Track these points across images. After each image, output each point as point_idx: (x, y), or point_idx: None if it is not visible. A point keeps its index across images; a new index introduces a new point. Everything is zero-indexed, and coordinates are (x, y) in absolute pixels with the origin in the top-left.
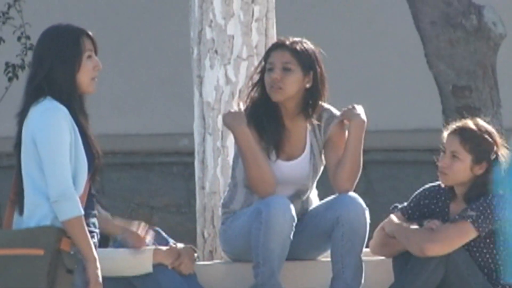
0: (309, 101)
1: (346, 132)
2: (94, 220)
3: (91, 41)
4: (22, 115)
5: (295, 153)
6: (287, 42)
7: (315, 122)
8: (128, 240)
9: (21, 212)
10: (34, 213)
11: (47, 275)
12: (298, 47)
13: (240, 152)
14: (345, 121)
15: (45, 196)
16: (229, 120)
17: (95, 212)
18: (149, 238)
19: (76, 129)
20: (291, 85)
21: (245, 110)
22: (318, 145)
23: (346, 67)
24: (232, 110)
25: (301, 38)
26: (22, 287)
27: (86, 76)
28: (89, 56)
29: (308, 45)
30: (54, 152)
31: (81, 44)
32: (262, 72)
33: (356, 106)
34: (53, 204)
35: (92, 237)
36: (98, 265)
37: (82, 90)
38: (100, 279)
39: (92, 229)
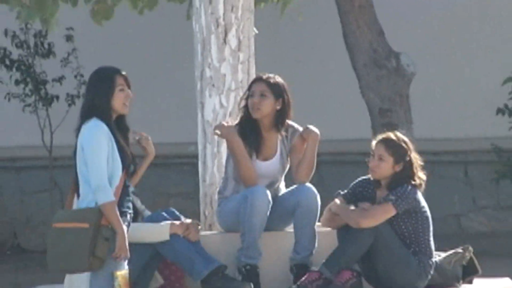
0: (279, 119)
1: (305, 143)
2: (129, 203)
3: (123, 78)
4: (78, 130)
5: (269, 155)
6: (264, 77)
7: (283, 133)
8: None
9: (78, 197)
10: (85, 198)
11: (90, 242)
12: (271, 80)
13: (232, 155)
14: (305, 137)
15: (90, 186)
16: (224, 131)
17: (130, 198)
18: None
19: (113, 139)
20: (266, 107)
21: (237, 124)
22: (286, 150)
23: (306, 95)
24: (224, 123)
25: (274, 74)
26: (73, 250)
27: (118, 102)
28: (121, 89)
29: (279, 79)
30: (95, 156)
31: (114, 81)
32: (247, 98)
33: (310, 126)
34: (93, 192)
35: (126, 215)
36: (125, 236)
37: (117, 112)
38: (127, 246)
39: (126, 210)
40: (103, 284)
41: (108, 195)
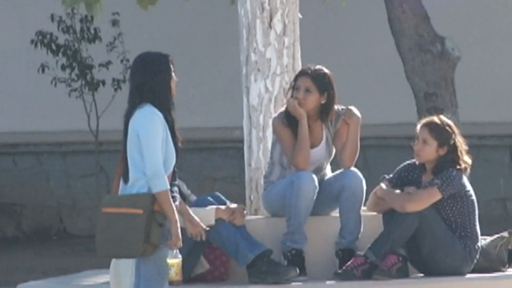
0: (324, 111)
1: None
2: (176, 188)
3: (172, 62)
4: (128, 115)
5: (316, 143)
6: (309, 71)
7: (328, 132)
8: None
9: (125, 182)
10: (135, 184)
11: (144, 227)
12: (317, 75)
13: (299, 137)
14: (347, 121)
15: (142, 172)
16: (299, 112)
17: (177, 182)
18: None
19: (167, 127)
20: (310, 103)
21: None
22: (331, 137)
23: (351, 80)
24: (298, 107)
25: (320, 66)
26: (127, 235)
27: (173, 87)
28: (173, 71)
29: (326, 71)
30: (151, 144)
31: (170, 64)
32: (293, 88)
33: (352, 107)
34: (148, 180)
35: (174, 200)
36: (178, 224)
37: (172, 95)
38: (180, 233)
39: (175, 195)
40: (151, 269)
41: (164, 183)
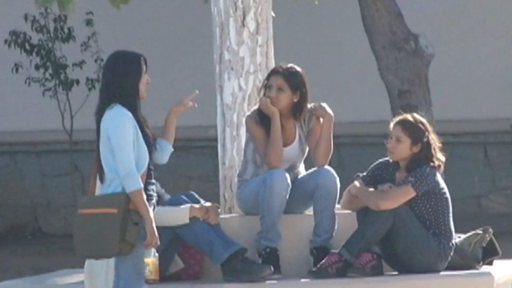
0: (297, 109)
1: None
2: (153, 186)
3: (145, 62)
4: (99, 115)
5: (289, 141)
6: (281, 70)
7: (301, 130)
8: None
9: (101, 182)
10: (110, 184)
11: (120, 226)
12: (289, 73)
13: (271, 135)
14: (320, 118)
15: (117, 172)
16: (271, 110)
17: (153, 181)
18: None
19: (137, 126)
20: (283, 101)
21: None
22: (304, 135)
23: (325, 78)
24: (270, 105)
25: (292, 64)
26: (102, 235)
27: (143, 87)
28: (145, 72)
29: (297, 69)
30: (121, 144)
31: (141, 64)
32: (265, 87)
33: (323, 104)
34: (121, 180)
35: (151, 199)
36: (153, 223)
37: (140, 96)
38: (156, 232)
39: (151, 193)
40: (130, 269)
41: (137, 183)
